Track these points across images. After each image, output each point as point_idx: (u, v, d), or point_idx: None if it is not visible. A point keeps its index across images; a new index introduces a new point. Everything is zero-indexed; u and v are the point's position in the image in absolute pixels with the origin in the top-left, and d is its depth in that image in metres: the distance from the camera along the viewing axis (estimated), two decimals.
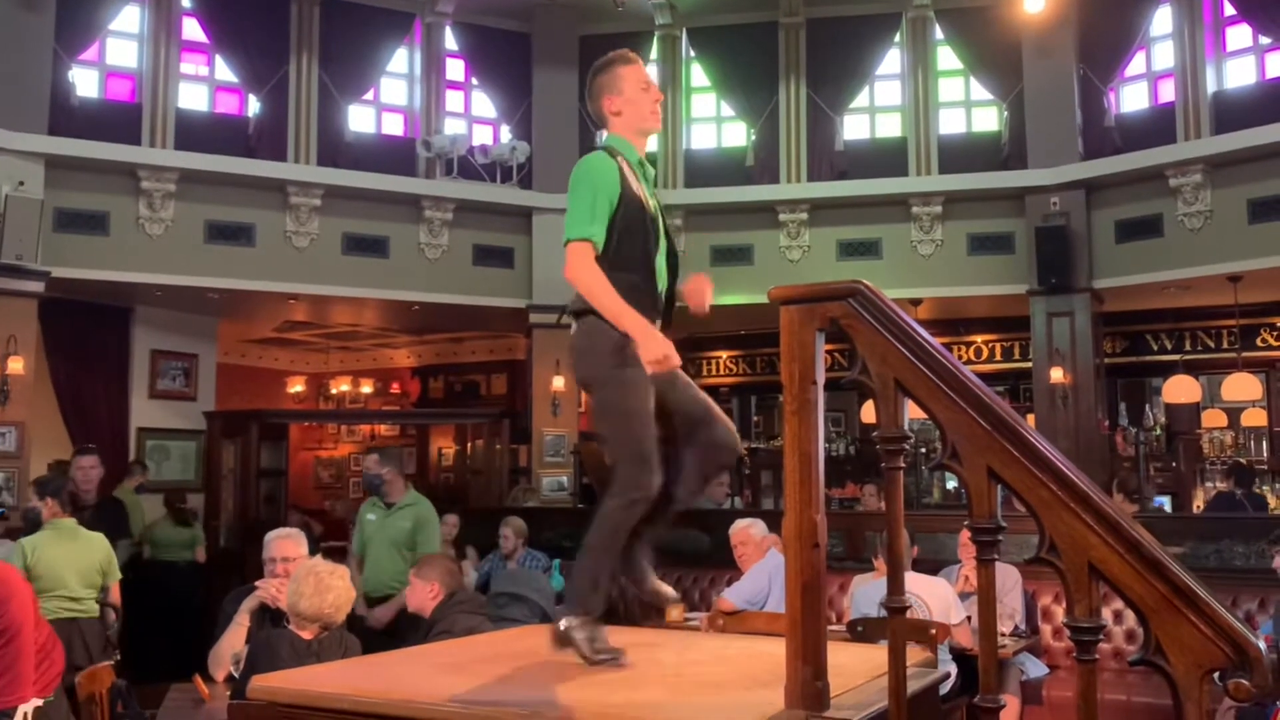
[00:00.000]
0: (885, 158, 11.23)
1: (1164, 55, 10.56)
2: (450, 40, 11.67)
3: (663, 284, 2.90)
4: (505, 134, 11.72)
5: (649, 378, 2.74)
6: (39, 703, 4.00)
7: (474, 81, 11.90)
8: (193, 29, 10.65)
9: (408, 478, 6.64)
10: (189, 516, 9.82)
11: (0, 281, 8.97)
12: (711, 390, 14.00)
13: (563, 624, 2.79)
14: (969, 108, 11.47)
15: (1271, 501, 9.99)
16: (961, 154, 11.06)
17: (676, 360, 2.72)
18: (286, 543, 4.57)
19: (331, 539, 11.07)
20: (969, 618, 5.24)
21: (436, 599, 4.41)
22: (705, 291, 3.02)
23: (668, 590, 2.99)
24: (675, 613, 6.30)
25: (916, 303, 10.72)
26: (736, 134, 11.82)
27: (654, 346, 2.67)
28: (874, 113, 11.68)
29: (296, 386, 16.21)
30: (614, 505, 2.76)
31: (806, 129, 11.27)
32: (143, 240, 9.78)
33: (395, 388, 16.21)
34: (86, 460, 7.18)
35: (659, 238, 2.90)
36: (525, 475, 11.58)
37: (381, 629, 5.74)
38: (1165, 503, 10.46)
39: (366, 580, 6.17)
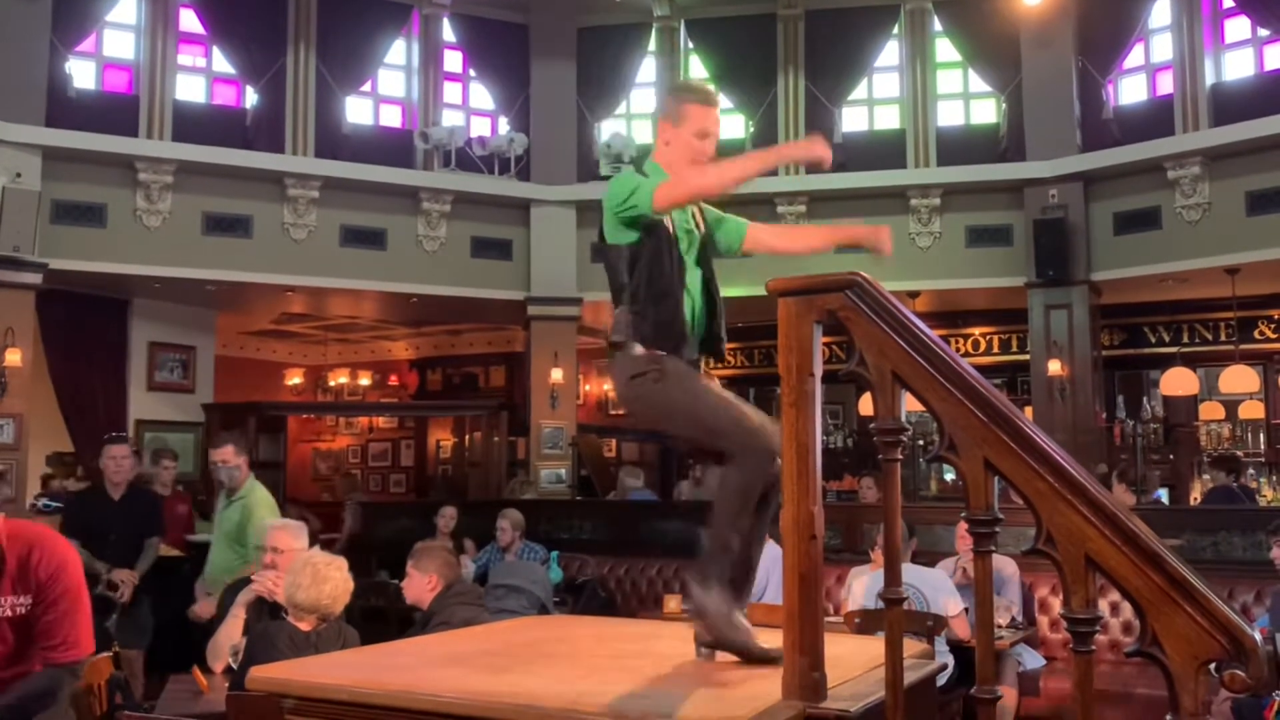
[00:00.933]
0: (883, 150, 11.23)
1: (1162, 47, 10.55)
2: (448, 32, 11.65)
3: (697, 315, 2.86)
4: (503, 126, 11.71)
5: (683, 381, 2.74)
6: None
7: (472, 73, 11.88)
8: (190, 20, 10.63)
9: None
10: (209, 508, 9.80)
11: None
12: None
13: (695, 592, 2.72)
14: (967, 100, 11.46)
15: (1268, 493, 10.02)
16: (960, 146, 11.05)
17: (823, 149, 2.77)
18: (280, 533, 4.56)
19: (330, 531, 11.07)
20: (966, 609, 5.25)
21: (434, 591, 4.41)
22: (883, 239, 3.08)
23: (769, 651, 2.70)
24: (673, 604, 6.31)
25: (914, 295, 10.72)
26: (735, 126, 11.80)
27: (796, 151, 2.70)
28: (872, 105, 11.67)
29: (294, 379, 16.22)
30: (734, 476, 2.69)
31: (805, 121, 11.25)
32: (140, 232, 9.77)
33: (393, 380, 16.22)
34: (118, 450, 6.57)
35: (688, 269, 2.86)
36: (523, 467, 11.59)
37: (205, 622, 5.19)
38: (1163, 494, 10.48)
39: (207, 574, 5.87)
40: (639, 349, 2.77)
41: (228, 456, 5.77)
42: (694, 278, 2.89)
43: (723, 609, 2.67)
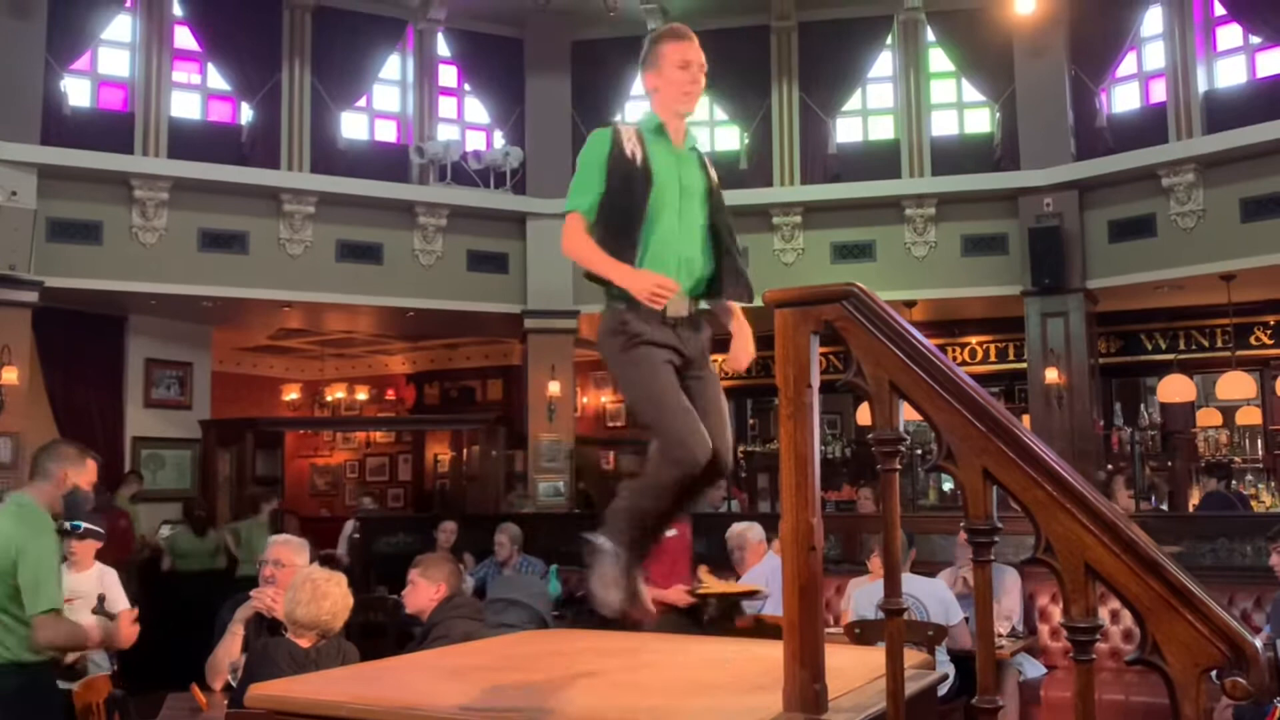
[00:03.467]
0: (878, 160, 11.25)
1: (1155, 55, 10.58)
2: (443, 46, 11.67)
3: (686, 254, 2.86)
4: (498, 139, 11.73)
5: (658, 357, 2.77)
6: None
7: (467, 87, 11.91)
8: (184, 37, 10.65)
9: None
10: (208, 525, 9.76)
11: None
12: None
13: (602, 541, 2.78)
14: (961, 109, 11.50)
15: (1266, 499, 10.03)
16: (954, 155, 11.07)
17: (672, 287, 2.70)
18: (282, 548, 4.54)
19: (326, 547, 11.05)
20: (966, 619, 5.25)
21: (437, 600, 4.39)
22: (741, 356, 3.00)
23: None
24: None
25: (911, 304, 10.73)
26: (729, 137, 11.84)
27: (638, 282, 2.70)
28: (866, 115, 11.70)
29: (291, 394, 16.21)
30: (657, 470, 2.77)
31: (799, 132, 11.29)
32: (136, 249, 9.77)
33: (390, 394, 16.21)
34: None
35: (672, 202, 2.87)
36: (521, 481, 11.58)
37: None
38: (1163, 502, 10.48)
39: None
40: (614, 304, 2.81)
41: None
42: (688, 225, 2.89)
43: (614, 567, 2.73)
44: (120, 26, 10.33)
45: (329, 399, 16.30)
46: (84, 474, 4.09)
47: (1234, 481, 9.95)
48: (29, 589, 3.72)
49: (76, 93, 10.11)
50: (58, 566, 3.86)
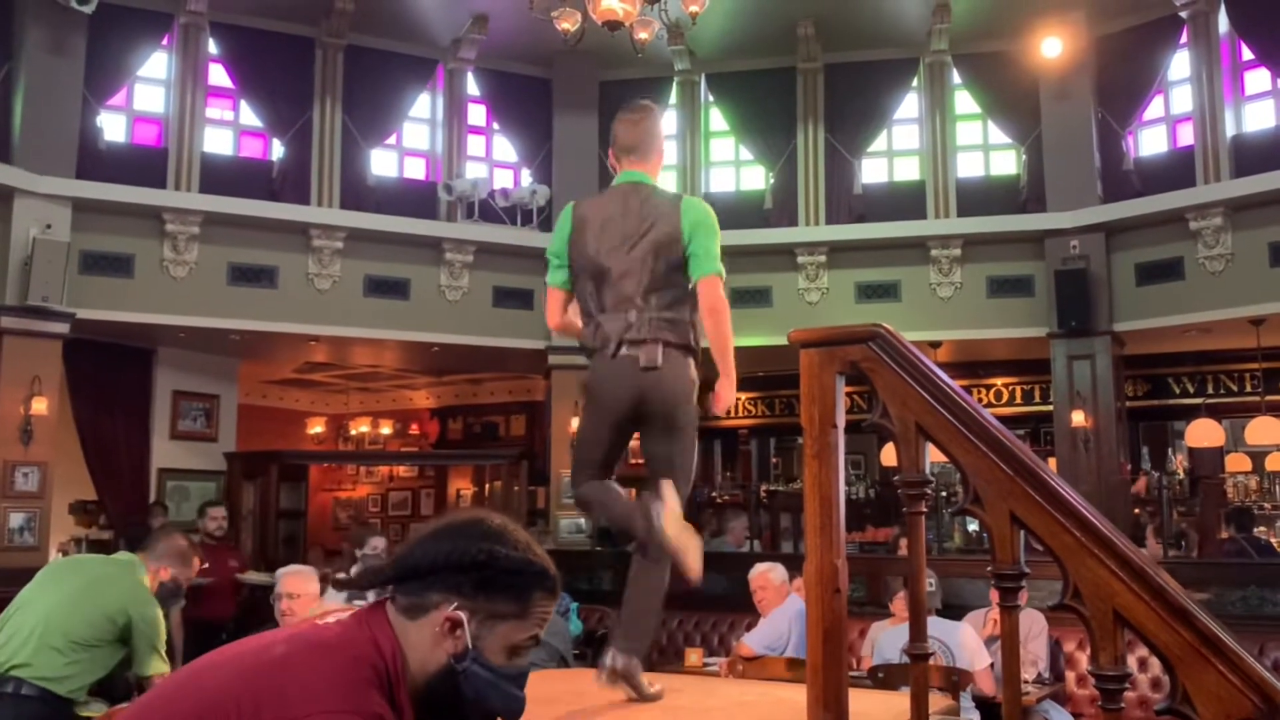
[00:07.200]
0: (903, 201, 11.25)
1: (1182, 99, 10.57)
2: (472, 85, 11.79)
3: None
4: (526, 178, 11.81)
5: None
6: None
7: (495, 126, 12.01)
8: (219, 75, 10.81)
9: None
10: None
11: (26, 322, 9.08)
12: (730, 432, 14.03)
13: (620, 663, 2.94)
14: (987, 151, 11.49)
15: None
16: (980, 197, 11.06)
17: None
18: (294, 579, 4.51)
19: None
20: (992, 664, 5.18)
21: None
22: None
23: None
24: (694, 657, 6.26)
25: (936, 345, 10.69)
26: (755, 177, 11.87)
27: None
28: (892, 156, 11.72)
29: (316, 427, 16.29)
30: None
31: (824, 172, 11.30)
32: (166, 282, 9.88)
33: (414, 429, 16.25)
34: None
35: None
36: (543, 517, 11.57)
37: None
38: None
39: None
40: (692, 360, 3.19)
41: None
42: None
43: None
44: (156, 64, 10.50)
45: (353, 433, 16.36)
46: (186, 571, 4.49)
47: (1269, 529, 9.78)
48: (144, 653, 4.10)
49: (112, 128, 10.27)
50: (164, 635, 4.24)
